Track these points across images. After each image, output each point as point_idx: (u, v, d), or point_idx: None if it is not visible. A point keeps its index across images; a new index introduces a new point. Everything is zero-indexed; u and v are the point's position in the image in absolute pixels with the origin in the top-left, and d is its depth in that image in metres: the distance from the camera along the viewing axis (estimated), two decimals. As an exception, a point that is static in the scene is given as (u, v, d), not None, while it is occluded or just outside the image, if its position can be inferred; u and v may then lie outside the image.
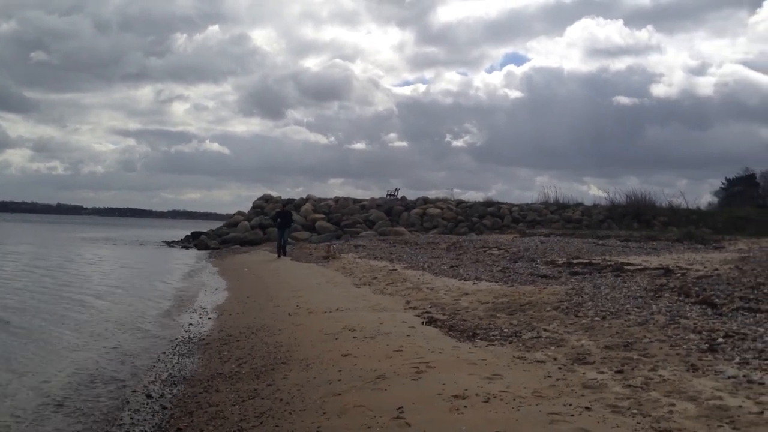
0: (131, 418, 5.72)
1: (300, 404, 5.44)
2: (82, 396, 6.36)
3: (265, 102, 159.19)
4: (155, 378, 7.10)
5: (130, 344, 8.92)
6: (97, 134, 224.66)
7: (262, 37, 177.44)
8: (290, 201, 41.79)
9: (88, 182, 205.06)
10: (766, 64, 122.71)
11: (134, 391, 6.56)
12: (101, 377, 7.06)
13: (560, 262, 15.57)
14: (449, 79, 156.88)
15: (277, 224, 25.99)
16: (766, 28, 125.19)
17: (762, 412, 4.63)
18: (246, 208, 42.58)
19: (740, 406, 4.78)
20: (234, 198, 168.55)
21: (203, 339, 9.18)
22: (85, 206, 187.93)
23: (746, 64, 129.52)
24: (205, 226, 50.05)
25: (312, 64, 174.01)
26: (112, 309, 12.08)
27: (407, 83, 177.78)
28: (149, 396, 6.37)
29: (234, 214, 42.51)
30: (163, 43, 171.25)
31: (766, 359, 5.99)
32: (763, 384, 5.29)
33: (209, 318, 11.14)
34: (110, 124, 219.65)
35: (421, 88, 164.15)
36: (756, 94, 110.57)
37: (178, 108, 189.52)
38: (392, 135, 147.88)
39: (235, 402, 5.82)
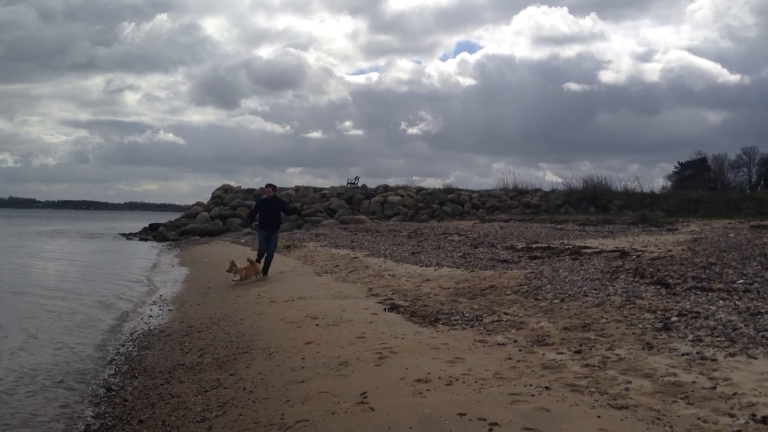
0: (92, 411, 5.64)
1: (263, 392, 5.43)
2: (41, 389, 6.24)
3: (218, 91, 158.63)
4: (115, 370, 7.00)
5: (89, 336, 8.76)
6: (47, 125, 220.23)
7: (213, 26, 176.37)
8: (250, 191, 41.44)
9: (39, 175, 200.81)
10: (710, 50, 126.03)
11: (94, 384, 6.45)
12: (60, 370, 6.93)
13: (520, 246, 15.78)
14: (403, 67, 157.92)
15: (260, 221, 14.18)
16: (704, 15, 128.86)
17: (715, 387, 4.79)
18: (205, 198, 42.22)
19: (694, 382, 4.94)
20: (192, 189, 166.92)
21: (164, 330, 9.06)
22: (38, 199, 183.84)
23: (691, 50, 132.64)
24: (163, 218, 49.35)
25: (265, 53, 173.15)
26: (71, 302, 11.84)
27: (361, 72, 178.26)
28: (109, 389, 6.27)
29: (192, 205, 42.03)
30: (111, 33, 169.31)
31: (718, 336, 6.18)
32: (715, 360, 5.47)
33: (169, 309, 11.00)
34: (61, 115, 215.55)
35: (375, 76, 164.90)
36: (701, 79, 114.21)
37: (130, 98, 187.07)
38: (347, 123, 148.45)
39: (198, 392, 5.78)
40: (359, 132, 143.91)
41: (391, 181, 44.26)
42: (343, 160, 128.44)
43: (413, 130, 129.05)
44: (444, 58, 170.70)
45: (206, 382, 6.09)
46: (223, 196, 40.66)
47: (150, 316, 10.42)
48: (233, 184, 43.12)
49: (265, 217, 14.06)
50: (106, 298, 12.56)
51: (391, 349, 6.43)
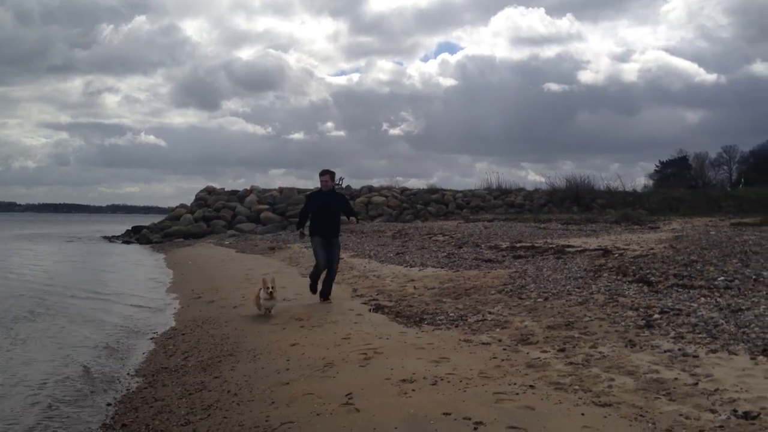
0: (75, 415, 5.58)
1: (248, 395, 5.42)
2: (22, 393, 6.17)
3: (199, 93, 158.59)
4: (98, 374, 6.93)
5: (71, 340, 8.68)
6: (27, 128, 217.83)
7: (192, 28, 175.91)
8: (234, 192, 41.25)
9: (19, 178, 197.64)
10: (686, 50, 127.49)
11: (77, 388, 6.39)
12: (43, 374, 6.85)
13: (504, 246, 15.85)
14: (384, 68, 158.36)
15: (312, 223, 10.16)
16: (678, 16, 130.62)
17: (696, 384, 4.85)
18: (188, 200, 41.94)
19: (676, 379, 4.99)
20: (175, 191, 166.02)
21: (147, 333, 9.01)
22: (18, 203, 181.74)
23: (668, 50, 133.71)
24: (146, 220, 48.92)
25: (245, 54, 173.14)
26: (54, 305, 11.72)
27: (342, 73, 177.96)
28: (92, 392, 6.22)
29: (176, 207, 41.77)
30: (89, 35, 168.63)
31: (699, 333, 6.25)
32: (697, 357, 5.53)
33: (153, 313, 10.92)
34: (40, 117, 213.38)
35: (356, 77, 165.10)
36: (678, 79, 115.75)
37: (110, 100, 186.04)
38: (329, 124, 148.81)
39: (182, 395, 5.74)
40: (341, 133, 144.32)
41: (375, 182, 44.34)
42: (326, 161, 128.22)
43: (395, 131, 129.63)
44: (425, 59, 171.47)
45: (190, 385, 6.06)
46: (206, 197, 40.44)
47: (132, 318, 10.34)
48: (216, 185, 42.95)
49: (320, 217, 9.89)
50: (89, 300, 12.46)
51: (376, 350, 6.44)
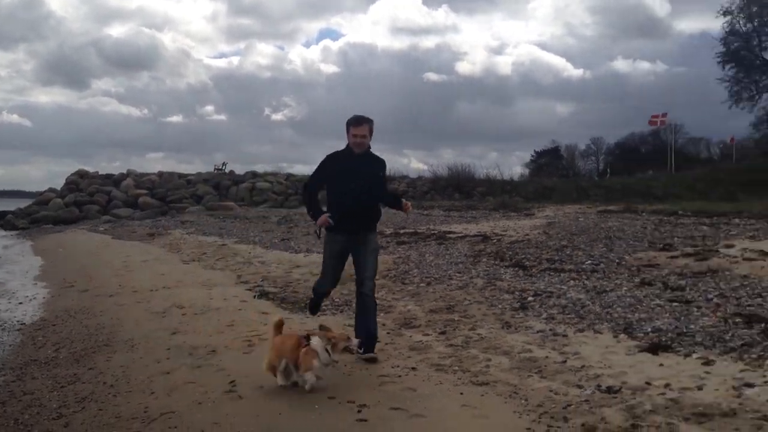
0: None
1: (125, 386, 5.23)
2: None
3: (66, 70, 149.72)
4: (-43, 370, 6.45)
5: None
6: None
7: (57, 2, 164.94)
8: (109, 176, 39.38)
9: None
10: (556, 45, 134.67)
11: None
12: None
13: (388, 232, 16.10)
14: (264, 52, 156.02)
15: (335, 208, 5.74)
16: (545, 13, 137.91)
17: (565, 361, 5.17)
18: (58, 185, 39.64)
19: (547, 357, 5.30)
20: (44, 174, 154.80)
21: (14, 325, 8.45)
22: None
23: (539, 45, 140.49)
24: (11, 205, 45.66)
25: (116, 32, 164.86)
26: None
27: (222, 55, 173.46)
28: (-49, 390, 5.78)
29: (44, 192, 39.36)
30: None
31: (569, 314, 6.66)
32: (566, 336, 5.89)
33: (20, 303, 10.26)
34: None
35: (236, 60, 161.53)
36: (548, 73, 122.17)
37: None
38: (209, 108, 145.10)
39: (53, 388, 5.45)
40: (222, 117, 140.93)
41: (259, 168, 43.78)
42: (207, 146, 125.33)
43: (277, 116, 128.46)
44: (307, 45, 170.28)
45: (62, 377, 5.76)
46: (78, 181, 38.34)
47: (-3, 310, 9.67)
48: (89, 169, 40.81)
49: (346, 196, 5.71)
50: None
51: (260, 337, 6.40)
